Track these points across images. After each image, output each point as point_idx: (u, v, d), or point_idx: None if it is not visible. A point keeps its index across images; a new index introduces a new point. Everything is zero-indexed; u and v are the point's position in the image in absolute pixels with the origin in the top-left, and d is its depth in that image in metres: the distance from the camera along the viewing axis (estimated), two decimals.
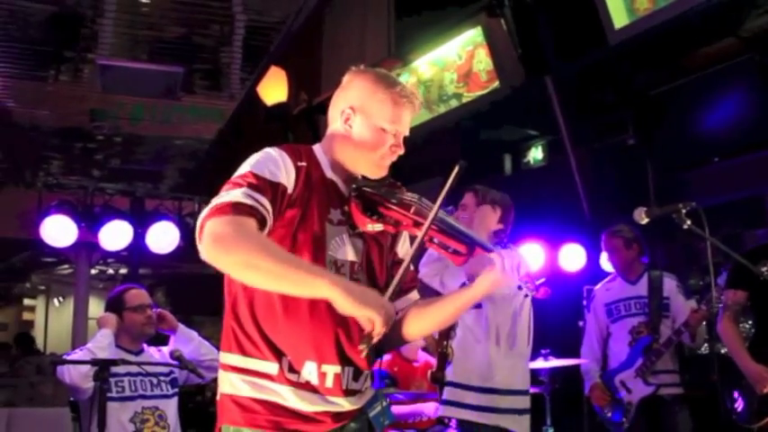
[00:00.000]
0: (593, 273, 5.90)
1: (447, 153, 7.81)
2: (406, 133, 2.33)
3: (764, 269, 3.06)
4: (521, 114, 7.50)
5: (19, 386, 7.80)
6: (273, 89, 8.57)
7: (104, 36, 5.49)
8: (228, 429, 2.15)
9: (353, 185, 2.28)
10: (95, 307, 10.25)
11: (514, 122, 7.84)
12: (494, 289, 2.27)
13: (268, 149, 2.21)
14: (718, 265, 3.77)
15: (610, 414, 4.79)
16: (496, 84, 6.77)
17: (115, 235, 5.13)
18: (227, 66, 6.49)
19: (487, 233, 3.72)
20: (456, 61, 7.24)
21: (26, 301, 15.98)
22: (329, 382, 2.17)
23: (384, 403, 2.31)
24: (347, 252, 2.24)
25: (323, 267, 2.14)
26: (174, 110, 7.04)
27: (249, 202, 2.03)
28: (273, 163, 2.14)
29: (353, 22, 7.96)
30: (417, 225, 2.18)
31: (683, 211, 2.80)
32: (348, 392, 2.21)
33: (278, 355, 2.15)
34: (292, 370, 2.14)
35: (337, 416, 2.19)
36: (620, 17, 5.54)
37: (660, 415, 4.66)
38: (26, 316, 16.07)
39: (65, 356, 3.79)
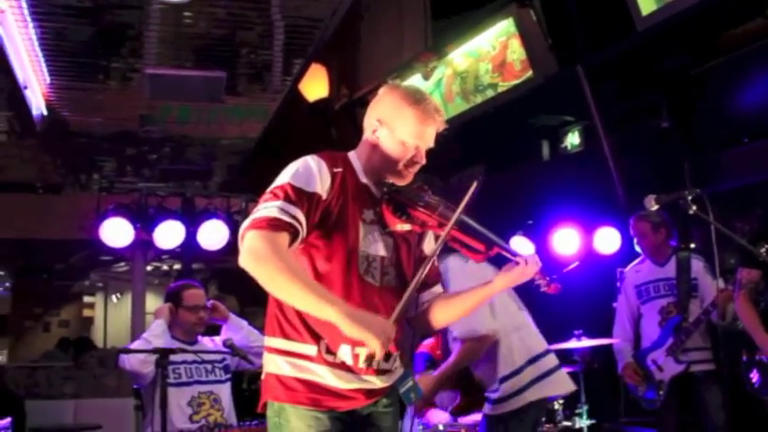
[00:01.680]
0: (627, 255, 6.00)
1: (486, 141, 7.96)
2: (431, 145, 2.54)
3: (763, 250, 3.20)
4: (556, 101, 7.63)
5: (84, 378, 8.25)
6: (314, 85, 8.81)
7: (149, 46, 5.76)
8: (273, 405, 2.44)
9: (384, 189, 2.52)
10: (152, 302, 10.66)
11: (550, 109, 7.96)
12: (511, 286, 2.54)
13: (307, 158, 2.44)
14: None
15: (643, 392, 4.94)
16: (530, 73, 6.91)
17: (169, 234, 5.43)
18: (269, 67, 6.70)
19: None
20: (490, 52, 7.37)
21: (86, 299, 16.56)
22: (362, 363, 2.41)
23: (412, 381, 2.55)
24: (379, 248, 2.49)
25: (355, 267, 2.41)
26: (218, 111, 7.29)
27: (284, 217, 2.28)
28: (310, 172, 2.38)
29: (390, 16, 8.15)
30: (441, 225, 2.43)
31: (689, 197, 2.96)
32: (379, 372, 2.46)
33: (316, 338, 2.40)
34: (329, 351, 2.40)
35: (370, 393, 2.45)
36: (646, 3, 5.64)
37: (691, 391, 4.80)
38: (86, 312, 16.65)
39: (124, 347, 4.09)
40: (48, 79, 6.18)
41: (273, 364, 2.46)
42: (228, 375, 4.23)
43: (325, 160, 2.44)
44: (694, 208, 2.95)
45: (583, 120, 7.89)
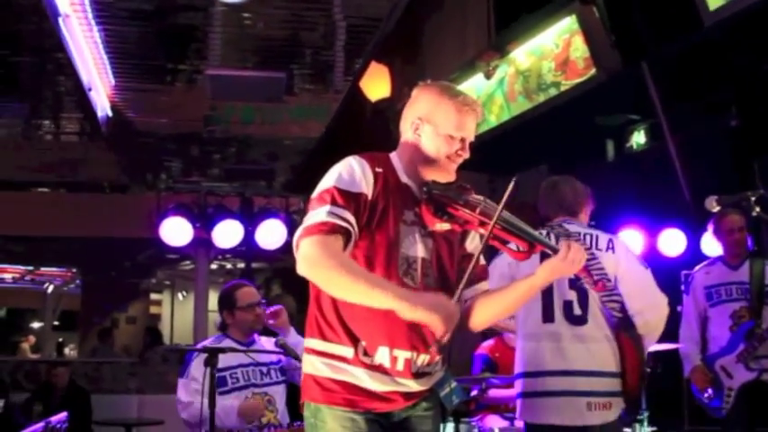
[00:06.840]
0: (692, 258, 5.86)
1: (550, 141, 7.86)
2: (472, 139, 2.51)
3: None
4: (621, 99, 7.48)
5: (147, 374, 8.44)
6: (377, 85, 8.82)
7: (213, 48, 5.85)
8: (309, 406, 2.42)
9: (424, 188, 2.47)
10: (215, 300, 10.81)
11: (615, 108, 7.82)
12: (554, 278, 2.45)
13: (349, 159, 2.44)
14: None
15: (709, 398, 4.79)
16: (593, 71, 6.79)
17: (227, 233, 5.51)
18: (330, 66, 6.74)
19: None
20: (553, 50, 7.26)
21: (153, 296, 16.90)
22: (400, 366, 2.39)
23: (453, 384, 2.51)
24: (418, 250, 2.45)
25: (395, 268, 2.39)
26: (281, 111, 7.37)
27: (334, 220, 2.29)
28: (354, 173, 2.38)
29: (454, 17, 8.11)
30: (483, 224, 2.38)
31: (753, 198, 2.84)
32: (417, 375, 2.42)
33: (354, 340, 2.39)
34: (366, 354, 2.38)
35: (407, 395, 2.42)
36: None
37: (762, 400, 4.63)
38: (153, 310, 17.01)
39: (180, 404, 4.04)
40: (112, 81, 6.31)
41: (311, 365, 2.45)
42: (284, 377, 4.21)
43: (367, 160, 2.43)
44: (758, 209, 2.83)
45: (648, 118, 7.73)
